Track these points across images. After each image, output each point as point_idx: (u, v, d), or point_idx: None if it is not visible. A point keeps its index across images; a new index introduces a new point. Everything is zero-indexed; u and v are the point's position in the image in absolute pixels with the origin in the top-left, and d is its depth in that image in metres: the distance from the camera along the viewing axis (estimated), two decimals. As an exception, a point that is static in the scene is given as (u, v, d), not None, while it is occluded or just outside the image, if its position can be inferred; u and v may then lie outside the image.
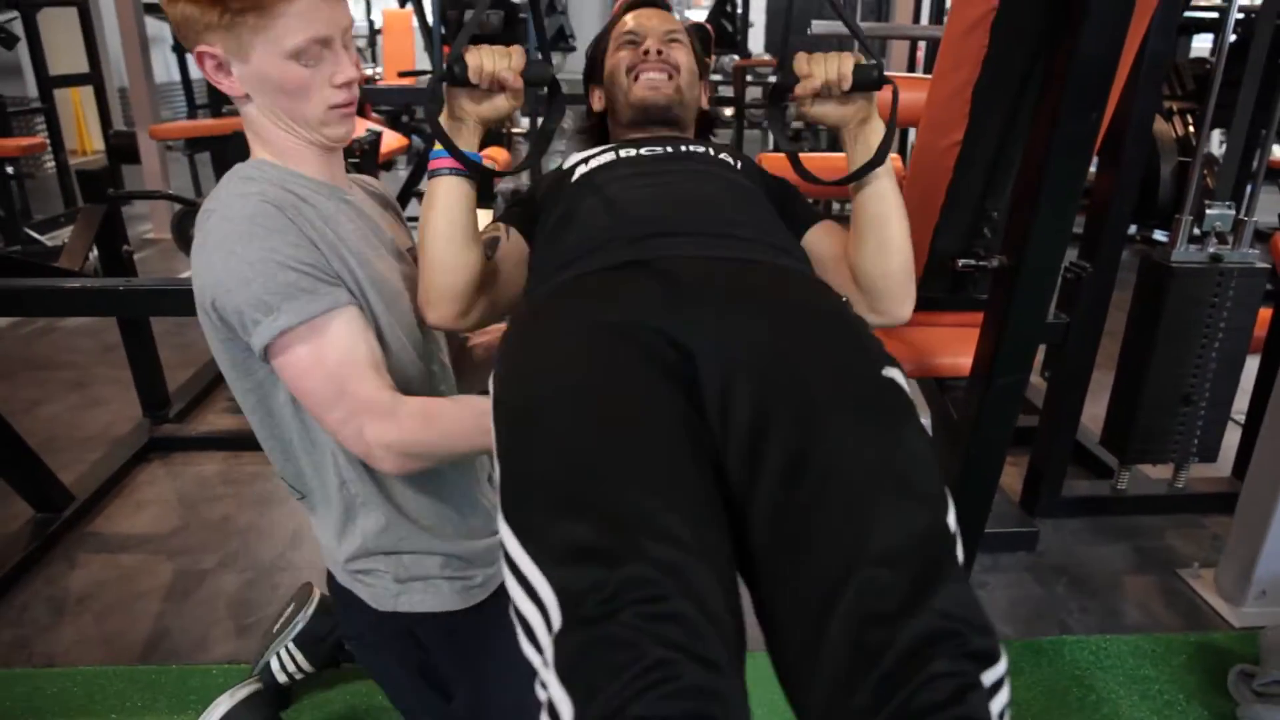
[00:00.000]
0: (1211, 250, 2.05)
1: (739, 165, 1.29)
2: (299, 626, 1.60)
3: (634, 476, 0.76)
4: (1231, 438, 2.43)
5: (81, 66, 5.48)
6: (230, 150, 4.51)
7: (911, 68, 4.65)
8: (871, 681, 0.66)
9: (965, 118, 1.64)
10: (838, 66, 1.07)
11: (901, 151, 3.95)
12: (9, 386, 3.05)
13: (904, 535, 0.74)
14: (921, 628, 0.68)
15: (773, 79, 1.17)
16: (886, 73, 1.10)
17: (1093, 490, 2.47)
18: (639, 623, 0.65)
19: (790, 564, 0.76)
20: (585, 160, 1.29)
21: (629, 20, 1.40)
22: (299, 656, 1.59)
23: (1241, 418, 2.50)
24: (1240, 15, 2.50)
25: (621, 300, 0.97)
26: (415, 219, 1.17)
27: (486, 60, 1.05)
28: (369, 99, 4.79)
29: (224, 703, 1.43)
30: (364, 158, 3.41)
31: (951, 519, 0.79)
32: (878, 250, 1.14)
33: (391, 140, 3.95)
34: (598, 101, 1.46)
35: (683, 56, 1.37)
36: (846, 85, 1.08)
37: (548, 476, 0.78)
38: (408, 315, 1.15)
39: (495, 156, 2.64)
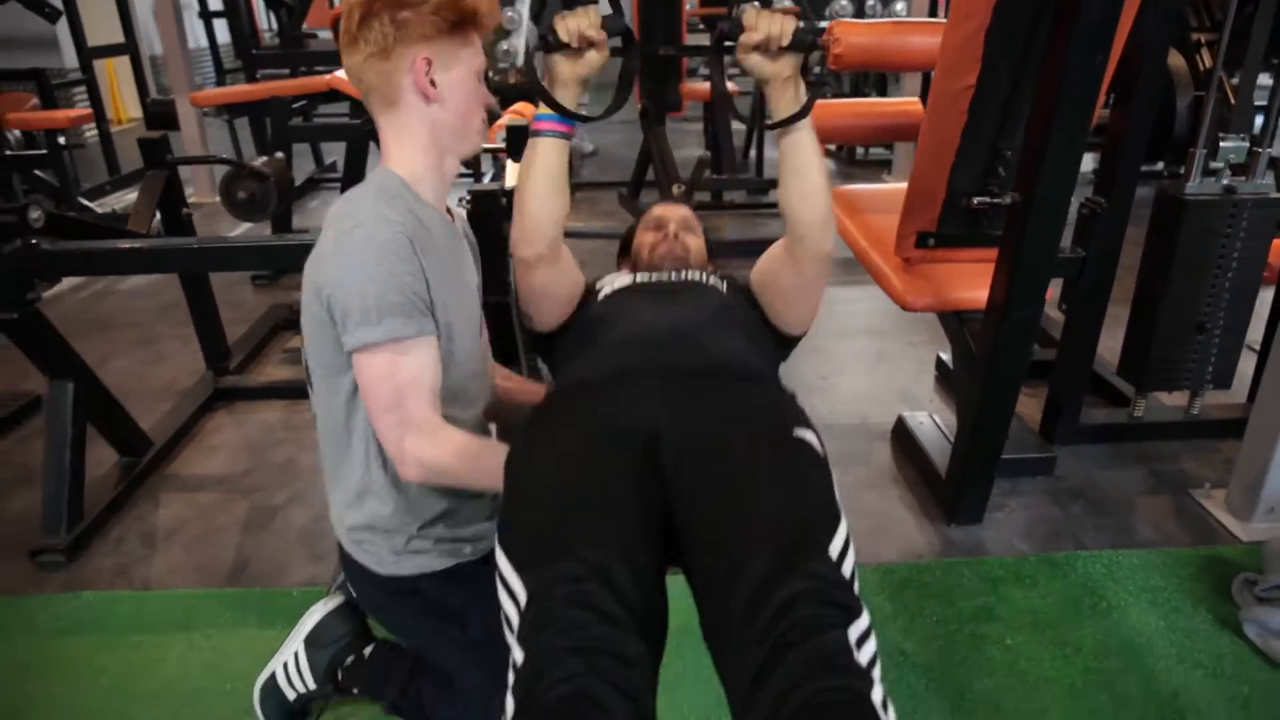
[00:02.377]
0: (1225, 182, 2.10)
1: (725, 288, 1.54)
2: None
3: (585, 513, 1.04)
4: (1247, 365, 2.50)
5: (113, 37, 5.60)
6: (265, 115, 4.62)
7: (933, 12, 4.64)
8: (754, 636, 0.91)
9: (978, 62, 1.72)
10: (780, 25, 1.21)
11: (922, 95, 3.98)
12: (80, 344, 3.14)
13: (791, 532, 0.99)
14: (794, 586, 0.92)
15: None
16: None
17: (1110, 418, 2.55)
18: (564, 595, 0.94)
19: (710, 565, 1.02)
20: (611, 283, 1.57)
21: (656, 210, 1.77)
22: None
23: (1259, 345, 2.56)
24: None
25: (612, 400, 1.23)
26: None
27: (571, 21, 1.23)
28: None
29: (318, 611, 1.58)
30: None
31: (837, 541, 1.00)
32: (801, 200, 1.33)
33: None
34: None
35: (694, 242, 1.70)
36: (785, 42, 1.22)
37: (528, 520, 1.07)
38: (472, 343, 1.37)
39: (523, 111, 2.76)
